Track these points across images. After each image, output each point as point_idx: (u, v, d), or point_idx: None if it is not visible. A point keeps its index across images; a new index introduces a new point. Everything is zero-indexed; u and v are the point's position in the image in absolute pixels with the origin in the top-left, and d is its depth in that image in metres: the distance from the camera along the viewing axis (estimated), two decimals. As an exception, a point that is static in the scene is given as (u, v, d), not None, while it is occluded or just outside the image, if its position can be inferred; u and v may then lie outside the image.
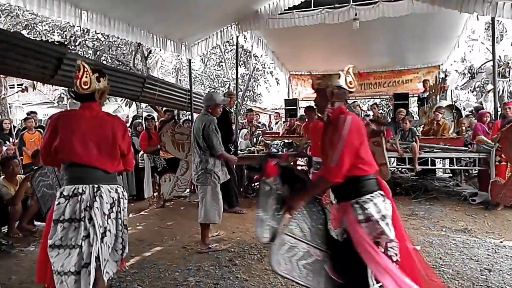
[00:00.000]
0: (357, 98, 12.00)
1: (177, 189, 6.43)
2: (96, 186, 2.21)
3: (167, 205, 6.39)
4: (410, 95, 10.39)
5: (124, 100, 14.70)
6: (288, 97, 12.41)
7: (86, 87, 2.33)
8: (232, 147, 5.81)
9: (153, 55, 15.39)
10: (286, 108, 11.02)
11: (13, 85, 15.27)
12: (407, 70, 11.59)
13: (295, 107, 10.73)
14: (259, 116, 11.47)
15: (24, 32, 10.46)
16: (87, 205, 2.17)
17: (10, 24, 11.04)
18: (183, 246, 4.09)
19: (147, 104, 11.18)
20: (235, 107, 7.23)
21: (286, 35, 8.76)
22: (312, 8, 7.36)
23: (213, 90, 18.89)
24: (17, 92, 14.54)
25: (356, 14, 7.04)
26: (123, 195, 2.40)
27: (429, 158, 6.42)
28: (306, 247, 2.11)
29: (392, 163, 8.52)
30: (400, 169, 8.04)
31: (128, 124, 7.45)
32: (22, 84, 14.82)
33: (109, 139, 2.32)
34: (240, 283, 3.02)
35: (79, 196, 2.17)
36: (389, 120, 8.63)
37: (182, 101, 8.58)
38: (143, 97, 7.37)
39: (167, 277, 3.22)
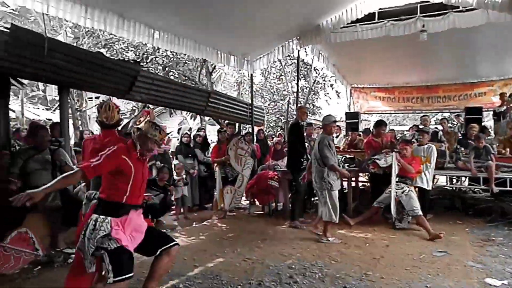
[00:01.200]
0: (423, 111, 11.42)
1: (235, 200, 6.61)
2: None
3: (228, 215, 6.54)
4: (484, 109, 9.63)
5: (189, 113, 15.37)
6: (349, 110, 12.15)
7: (113, 120, 3.16)
8: (305, 161, 5.76)
9: (216, 70, 15.99)
10: (347, 121, 10.79)
11: (91, 97, 16.69)
12: (480, 82, 10.80)
13: (357, 120, 10.46)
14: (320, 129, 11.32)
15: (103, 50, 11.46)
16: None
17: (91, 44, 12.20)
18: (244, 259, 4.14)
19: (210, 117, 11.62)
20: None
21: (347, 48, 8.65)
22: (376, 20, 7.20)
23: (273, 101, 19.06)
24: (95, 105, 15.90)
25: (423, 26, 6.76)
26: None
27: (508, 179, 5.88)
28: None
29: (464, 182, 7.96)
30: (473, 189, 7.46)
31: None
32: (99, 97, 16.21)
33: None
34: (302, 302, 3.00)
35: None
36: (460, 136, 8.06)
37: (243, 114, 8.80)
38: (208, 111, 7.68)
39: (229, 289, 3.29)
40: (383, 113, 14.19)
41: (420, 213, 5.11)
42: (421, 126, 8.46)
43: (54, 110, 15.86)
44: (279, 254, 4.31)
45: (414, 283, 3.37)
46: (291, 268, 3.81)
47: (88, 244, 2.42)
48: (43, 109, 16.22)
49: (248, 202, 7.19)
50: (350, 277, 3.53)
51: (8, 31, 4.21)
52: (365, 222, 5.60)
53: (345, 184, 7.20)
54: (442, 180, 8.87)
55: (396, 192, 5.27)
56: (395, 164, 5.20)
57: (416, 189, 5.64)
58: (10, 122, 5.43)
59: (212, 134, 13.37)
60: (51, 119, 12.27)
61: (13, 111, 10.52)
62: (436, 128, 9.10)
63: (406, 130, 18.05)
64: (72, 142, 8.96)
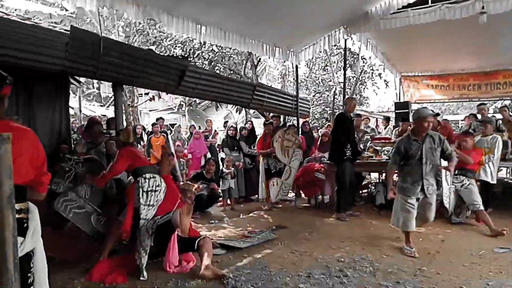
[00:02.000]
0: (481, 99, 10.70)
1: (282, 192, 6.61)
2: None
3: (274, 208, 6.56)
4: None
5: (234, 106, 15.55)
6: (398, 99, 11.67)
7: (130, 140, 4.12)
8: (348, 151, 5.67)
9: (261, 63, 16.02)
10: (397, 111, 10.38)
11: (141, 94, 17.45)
12: (548, 67, 9.91)
13: (407, 110, 10.02)
14: (369, 120, 11.02)
15: (152, 47, 11.88)
16: (158, 183, 3.86)
17: (141, 42, 12.71)
18: (291, 251, 4.14)
19: (255, 110, 11.68)
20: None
21: (398, 35, 8.26)
22: (430, 4, 6.81)
23: (319, 92, 18.74)
24: (145, 101, 16.61)
25: (483, 7, 6.29)
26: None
27: None
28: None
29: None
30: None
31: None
32: (148, 93, 16.92)
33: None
34: (353, 296, 2.95)
35: (154, 178, 3.85)
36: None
37: (288, 106, 8.74)
38: (253, 104, 7.71)
39: (278, 281, 3.29)
40: (435, 102, 13.51)
41: (482, 207, 4.79)
42: (478, 115, 7.95)
43: (108, 107, 16.75)
44: (328, 247, 4.26)
45: (473, 281, 3.19)
46: (340, 262, 3.75)
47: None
48: (98, 105, 17.18)
49: (294, 194, 7.17)
50: (403, 272, 3.41)
51: (68, 32, 4.49)
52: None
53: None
54: (502, 172, 8.29)
55: (455, 185, 4.98)
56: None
57: (478, 182, 5.31)
58: (70, 118, 5.82)
59: (256, 127, 13.46)
60: (105, 115, 12.98)
61: (72, 108, 11.24)
62: (493, 116, 8.49)
63: (461, 120, 17.05)
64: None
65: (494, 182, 5.50)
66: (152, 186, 3.79)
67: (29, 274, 1.81)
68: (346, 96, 8.04)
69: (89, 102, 17.07)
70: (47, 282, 1.94)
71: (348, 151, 5.67)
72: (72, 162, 4.12)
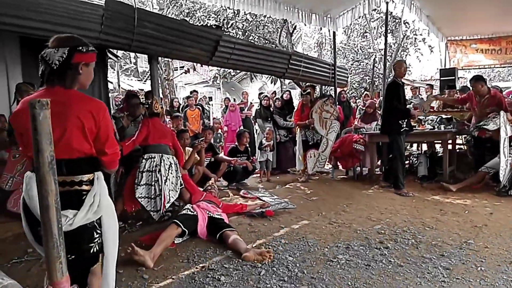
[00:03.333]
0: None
1: (318, 164, 6.49)
2: (160, 155, 3.96)
3: (310, 179, 6.49)
4: None
5: (269, 77, 15.31)
6: (444, 66, 10.97)
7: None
8: (404, 123, 5.28)
9: (297, 31, 15.53)
10: (442, 78, 9.78)
11: (177, 67, 17.61)
12: None
13: (453, 77, 9.41)
14: (417, 90, 10.42)
15: (186, 19, 11.81)
16: (157, 163, 3.89)
17: (174, 13, 12.67)
18: (329, 223, 4.07)
19: (291, 80, 11.44)
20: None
21: (445, -5, 7.65)
22: (482, -42, 6.19)
23: (357, 61, 18.08)
24: (180, 74, 16.74)
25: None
26: (174, 162, 4.06)
27: None
28: None
29: None
30: None
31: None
32: (183, 67, 17.03)
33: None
34: (394, 268, 2.84)
35: (152, 159, 3.92)
36: None
37: (325, 76, 8.45)
38: (289, 73, 7.52)
39: (316, 251, 3.25)
40: (484, 68, 12.61)
41: None
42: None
43: (145, 81, 17.09)
44: (367, 219, 4.16)
45: (526, 256, 3.00)
46: (381, 234, 3.65)
47: None
48: (135, 80, 17.58)
49: (331, 166, 7.04)
50: (448, 245, 3.26)
51: (104, 5, 4.49)
52: (464, 188, 5.13)
53: (438, 147, 6.66)
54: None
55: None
56: (505, 126, 4.56)
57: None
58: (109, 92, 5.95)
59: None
60: (143, 89, 13.24)
61: (111, 82, 11.53)
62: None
63: (514, 87, 15.85)
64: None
65: None
66: (150, 167, 3.88)
67: (91, 244, 1.74)
68: (396, 59, 7.60)
69: (127, 77, 17.51)
70: (116, 252, 1.87)
71: (404, 123, 5.26)
72: None
